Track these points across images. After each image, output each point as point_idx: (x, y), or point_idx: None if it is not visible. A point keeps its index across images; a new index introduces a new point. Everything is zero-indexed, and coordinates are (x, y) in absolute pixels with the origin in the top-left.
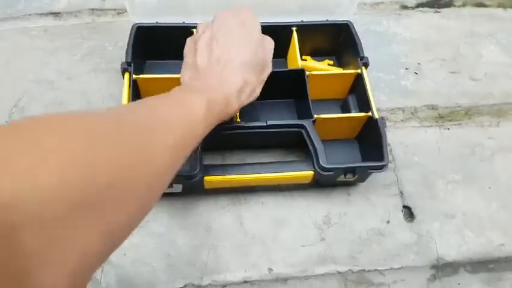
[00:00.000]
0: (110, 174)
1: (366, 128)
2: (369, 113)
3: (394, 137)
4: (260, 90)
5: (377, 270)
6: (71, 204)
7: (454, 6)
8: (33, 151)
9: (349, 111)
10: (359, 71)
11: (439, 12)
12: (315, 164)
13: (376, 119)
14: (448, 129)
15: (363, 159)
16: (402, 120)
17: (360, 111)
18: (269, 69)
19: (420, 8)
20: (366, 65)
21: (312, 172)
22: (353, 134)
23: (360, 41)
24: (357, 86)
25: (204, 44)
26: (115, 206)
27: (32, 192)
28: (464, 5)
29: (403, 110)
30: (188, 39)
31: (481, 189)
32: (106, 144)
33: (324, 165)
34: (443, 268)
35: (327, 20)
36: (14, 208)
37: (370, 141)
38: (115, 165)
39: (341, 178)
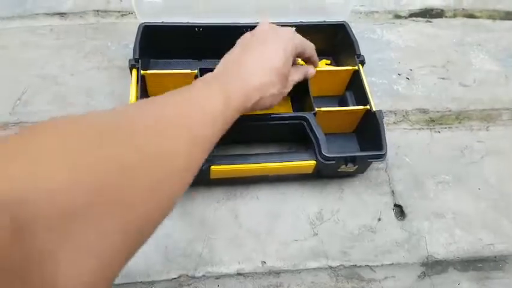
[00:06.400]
0: (116, 175)
1: (364, 121)
2: (367, 106)
3: (386, 138)
4: (279, 100)
5: (368, 266)
6: (79, 204)
7: (445, 16)
8: (43, 153)
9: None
10: (356, 67)
11: (431, 22)
12: (317, 154)
13: (374, 111)
14: (439, 132)
15: (363, 151)
16: (394, 123)
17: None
18: (288, 88)
19: (413, 18)
20: (362, 62)
21: (314, 161)
22: (352, 128)
23: (356, 40)
24: (355, 82)
25: (241, 44)
26: (124, 206)
27: (42, 191)
28: (454, 16)
29: (395, 113)
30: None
31: (470, 190)
32: (112, 146)
33: (326, 155)
34: (432, 266)
35: (324, 21)
36: (25, 205)
37: (368, 133)
38: (120, 166)
39: (342, 168)
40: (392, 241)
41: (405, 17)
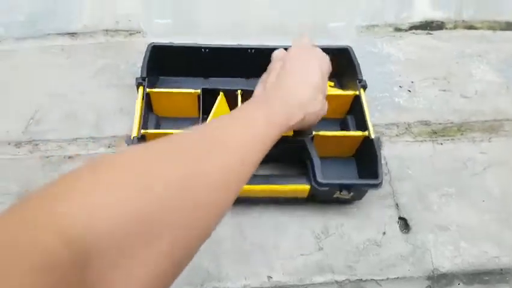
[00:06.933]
0: (169, 201)
1: (363, 147)
2: (366, 133)
3: (389, 151)
4: (318, 120)
5: (374, 280)
6: (129, 234)
7: (446, 28)
8: (97, 189)
9: (348, 130)
10: (357, 92)
11: (431, 34)
12: (312, 179)
13: (372, 139)
14: (441, 144)
15: (360, 177)
16: (396, 135)
17: (358, 130)
18: (325, 110)
19: (413, 31)
20: (364, 87)
21: (308, 186)
22: (351, 152)
23: (359, 65)
24: (356, 107)
25: (277, 63)
26: (176, 229)
27: (97, 226)
28: (455, 28)
29: (397, 126)
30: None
31: (474, 202)
32: (163, 176)
33: (320, 181)
34: (438, 279)
35: (329, 46)
36: (83, 238)
37: (366, 160)
38: (173, 195)
39: (337, 194)
40: (397, 254)
41: (406, 30)
